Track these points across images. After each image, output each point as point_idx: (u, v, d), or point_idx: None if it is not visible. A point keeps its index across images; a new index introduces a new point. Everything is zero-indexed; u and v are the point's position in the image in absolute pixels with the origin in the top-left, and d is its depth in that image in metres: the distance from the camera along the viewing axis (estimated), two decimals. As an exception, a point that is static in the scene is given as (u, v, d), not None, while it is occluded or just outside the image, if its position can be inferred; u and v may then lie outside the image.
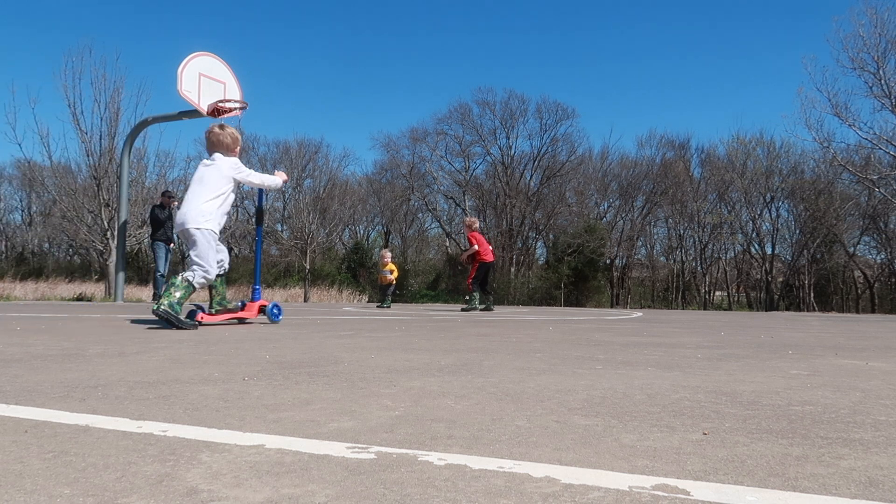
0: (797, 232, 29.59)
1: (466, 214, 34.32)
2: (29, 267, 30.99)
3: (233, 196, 4.38)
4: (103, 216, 18.84)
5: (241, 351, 2.53)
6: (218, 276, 4.31)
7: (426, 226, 36.97)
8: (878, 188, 20.46)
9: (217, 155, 4.34)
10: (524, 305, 22.04)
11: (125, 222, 13.53)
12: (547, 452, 1.01)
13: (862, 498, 0.81)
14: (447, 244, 35.76)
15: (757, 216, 30.11)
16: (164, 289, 4.33)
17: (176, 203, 10.67)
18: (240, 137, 4.49)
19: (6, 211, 38.01)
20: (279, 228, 34.29)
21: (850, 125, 18.68)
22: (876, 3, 18.12)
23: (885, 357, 2.70)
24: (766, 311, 24.10)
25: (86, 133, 19.06)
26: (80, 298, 15.05)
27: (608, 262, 31.63)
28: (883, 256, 28.78)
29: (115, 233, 15.38)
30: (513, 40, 53.29)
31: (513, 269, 31.62)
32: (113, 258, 16.99)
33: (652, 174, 31.97)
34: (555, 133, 33.09)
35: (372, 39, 55.08)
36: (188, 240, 4.16)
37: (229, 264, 4.52)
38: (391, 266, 11.74)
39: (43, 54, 52.21)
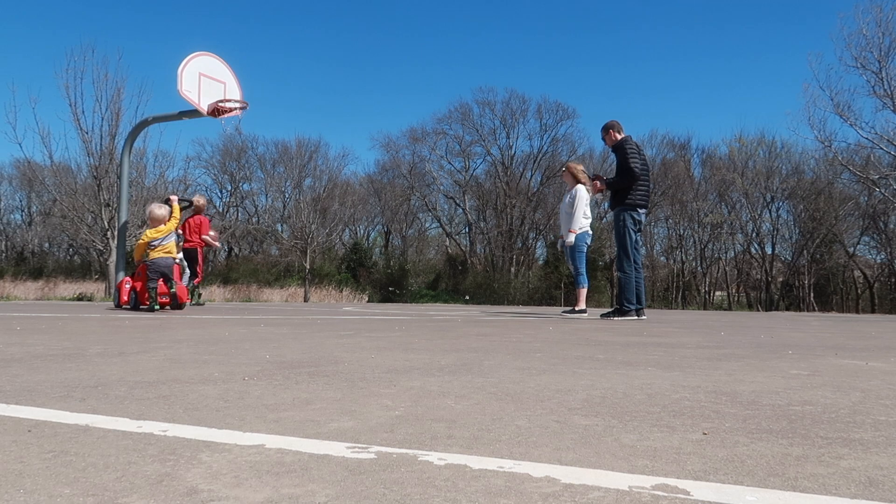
0: (797, 232, 29.59)
1: (467, 214, 34.35)
2: (29, 267, 31.01)
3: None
4: (104, 216, 18.85)
5: (241, 351, 2.53)
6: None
7: (426, 226, 36.99)
8: (878, 188, 20.44)
9: None
10: (524, 305, 22.03)
11: (125, 222, 13.52)
12: (547, 452, 1.01)
13: (862, 498, 0.81)
14: (447, 244, 35.76)
15: (757, 216, 30.10)
16: None
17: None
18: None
19: (6, 211, 38.02)
20: (279, 228, 34.30)
21: (851, 124, 18.67)
22: (882, 2, 18.07)
23: (885, 357, 2.70)
24: (766, 311, 24.10)
25: (86, 133, 19.07)
26: (80, 298, 15.06)
27: (608, 261, 31.63)
28: (883, 256, 28.77)
29: (116, 233, 15.38)
30: (515, 39, 53.30)
31: (513, 269, 31.62)
32: (113, 258, 17.00)
33: (652, 174, 31.93)
34: (555, 133, 33.16)
35: (371, 39, 55.09)
36: None
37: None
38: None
39: (44, 54, 52.28)
